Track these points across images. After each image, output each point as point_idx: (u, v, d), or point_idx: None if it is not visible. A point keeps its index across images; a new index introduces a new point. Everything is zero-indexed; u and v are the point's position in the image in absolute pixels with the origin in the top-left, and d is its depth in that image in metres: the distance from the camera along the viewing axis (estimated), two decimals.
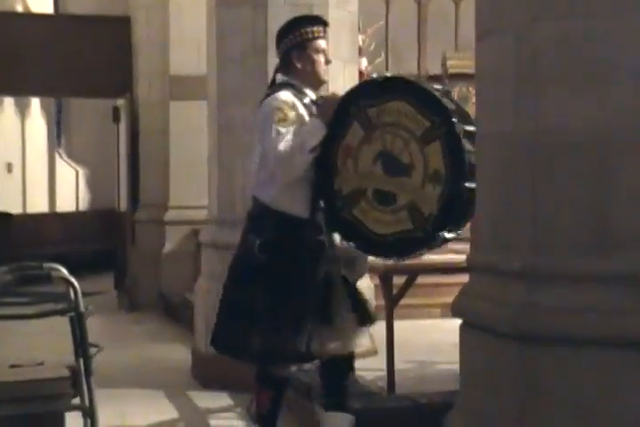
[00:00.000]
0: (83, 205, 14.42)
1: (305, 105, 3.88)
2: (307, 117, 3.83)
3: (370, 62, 8.45)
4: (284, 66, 4.00)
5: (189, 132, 8.84)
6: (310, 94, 3.96)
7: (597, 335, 2.19)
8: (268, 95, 3.92)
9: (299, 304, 3.64)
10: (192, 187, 8.58)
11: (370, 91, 3.66)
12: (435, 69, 9.96)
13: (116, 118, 10.13)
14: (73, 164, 14.46)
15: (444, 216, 3.38)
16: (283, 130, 3.74)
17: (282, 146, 3.71)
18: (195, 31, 8.54)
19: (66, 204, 13.98)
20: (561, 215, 2.34)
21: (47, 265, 3.55)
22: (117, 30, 10.07)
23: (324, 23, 4.04)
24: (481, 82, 2.79)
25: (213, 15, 6.01)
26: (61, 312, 3.53)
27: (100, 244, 12.52)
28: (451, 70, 9.72)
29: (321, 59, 3.97)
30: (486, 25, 2.71)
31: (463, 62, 9.23)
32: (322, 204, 3.81)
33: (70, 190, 14.27)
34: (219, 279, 5.79)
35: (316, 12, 5.72)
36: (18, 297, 5.35)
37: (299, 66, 3.93)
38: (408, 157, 3.46)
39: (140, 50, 9.77)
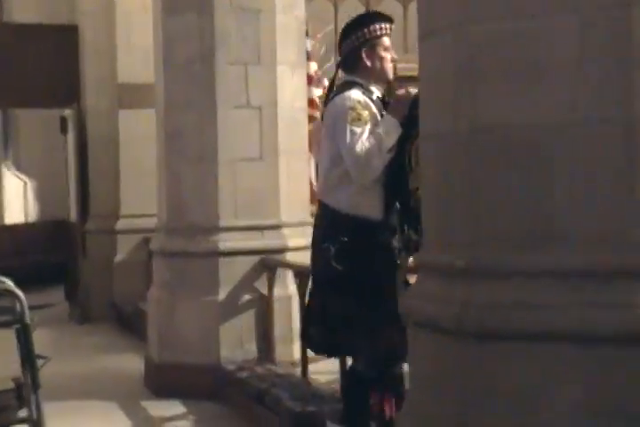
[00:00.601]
0: (32, 217, 14.23)
1: (374, 102, 3.81)
2: (379, 116, 3.76)
3: (320, 67, 8.46)
4: (350, 63, 3.91)
5: (139, 140, 8.77)
6: (376, 92, 3.90)
7: (539, 331, 2.21)
8: (335, 95, 3.84)
9: (393, 304, 3.47)
10: (143, 195, 8.51)
11: None
12: None
13: (64, 129, 10.02)
14: (21, 175, 14.27)
15: None
16: (358, 130, 3.66)
17: (359, 147, 3.63)
18: (142, 39, 8.50)
19: (14, 216, 13.79)
20: (499, 212, 2.36)
21: None
22: (64, 39, 9.96)
23: (391, 20, 3.98)
24: (423, 83, 2.81)
25: (159, 22, 5.99)
26: (6, 324, 3.49)
27: (50, 255, 12.34)
28: (400, 73, 9.74)
29: (388, 56, 3.92)
30: (427, 26, 2.73)
31: (412, 65, 9.29)
32: (397, 204, 3.72)
33: (18, 202, 14.08)
34: (169, 287, 5.79)
35: (262, 17, 5.74)
36: None
37: (368, 63, 3.87)
38: None
39: (87, 58, 9.68)
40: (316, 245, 3.82)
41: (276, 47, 5.73)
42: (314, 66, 7.77)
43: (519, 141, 2.37)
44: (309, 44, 7.31)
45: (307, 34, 6.62)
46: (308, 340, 3.95)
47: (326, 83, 8.47)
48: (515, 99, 2.38)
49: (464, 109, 2.47)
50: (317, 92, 7.82)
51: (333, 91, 3.92)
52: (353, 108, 3.70)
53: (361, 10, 9.81)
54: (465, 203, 2.46)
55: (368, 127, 3.68)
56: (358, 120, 3.69)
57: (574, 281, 2.21)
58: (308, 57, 6.92)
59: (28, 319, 3.54)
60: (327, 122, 3.83)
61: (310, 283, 4.00)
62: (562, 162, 2.31)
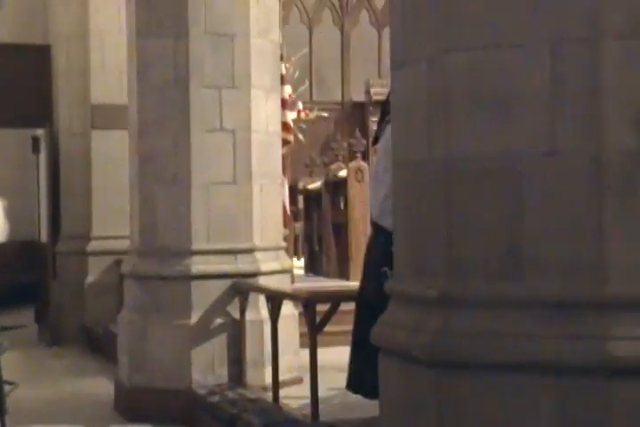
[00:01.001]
0: (2, 237, 14.10)
1: None
2: None
3: (294, 90, 8.50)
4: None
5: (111, 161, 8.75)
6: None
7: (511, 360, 2.21)
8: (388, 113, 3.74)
9: None
10: (115, 217, 8.47)
11: None
12: (359, 97, 10.05)
13: (36, 149, 9.98)
14: None
15: None
16: None
17: None
18: (116, 60, 8.51)
19: None
20: (474, 241, 2.37)
21: None
22: (37, 59, 9.94)
23: None
24: (395, 111, 2.83)
25: (134, 45, 5.99)
26: None
27: (20, 276, 12.22)
28: (374, 97, 9.81)
29: None
30: (400, 55, 2.75)
31: (386, 89, 9.30)
32: None
33: None
34: (141, 310, 5.75)
35: (237, 41, 5.76)
36: None
37: None
38: None
39: (60, 79, 9.66)
40: (372, 269, 3.70)
41: (251, 71, 5.74)
42: (288, 89, 7.80)
43: (491, 171, 2.39)
44: (284, 68, 7.33)
45: (281, 58, 6.64)
46: (359, 384, 3.68)
47: (300, 106, 8.52)
48: (487, 129, 2.41)
49: (437, 139, 2.49)
50: (291, 116, 7.85)
51: (388, 115, 3.81)
52: None
53: (336, 34, 9.91)
54: (437, 231, 2.47)
55: None
56: None
57: (546, 311, 2.22)
58: (283, 80, 6.95)
59: None
60: (388, 147, 3.68)
61: (356, 309, 3.86)
62: (533, 191, 2.33)
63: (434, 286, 2.45)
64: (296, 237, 9.14)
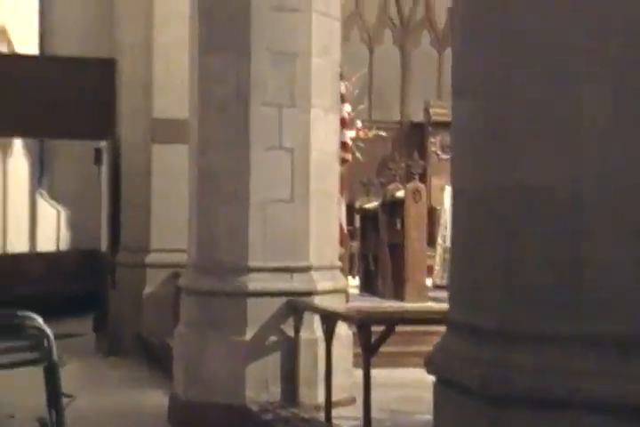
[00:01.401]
0: (63, 245, 14.35)
1: None
2: None
3: (353, 109, 8.53)
4: None
5: (171, 174, 8.85)
6: None
7: (568, 398, 2.19)
8: None
9: None
10: (173, 229, 8.56)
11: None
12: (417, 117, 10.02)
13: (98, 160, 10.14)
14: (54, 204, 14.42)
15: None
16: None
17: None
18: (179, 75, 8.60)
19: (47, 243, 13.91)
20: (533, 274, 2.35)
21: (21, 314, 3.53)
22: (102, 72, 10.11)
23: None
24: (454, 138, 2.83)
25: (197, 61, 6.06)
26: (34, 362, 3.51)
27: (80, 284, 12.44)
28: (434, 118, 9.81)
29: None
30: (461, 82, 2.76)
31: (446, 111, 9.32)
32: None
33: (51, 230, 14.21)
34: (197, 325, 5.81)
35: (299, 60, 5.80)
36: None
37: None
38: None
39: (123, 92, 9.82)
40: None
41: (311, 90, 5.78)
42: (347, 108, 7.83)
43: (553, 201, 2.37)
44: (343, 87, 7.36)
45: (341, 76, 6.67)
46: None
47: (359, 125, 8.54)
48: (549, 158, 2.39)
49: (497, 167, 2.48)
50: (350, 134, 7.88)
51: None
52: None
53: (396, 53, 9.92)
54: (496, 262, 2.46)
55: None
56: None
57: (606, 349, 2.19)
58: (342, 99, 6.98)
59: (55, 358, 3.56)
60: None
61: None
62: (597, 224, 2.29)
63: (491, 317, 2.43)
64: (352, 256, 9.15)
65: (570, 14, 2.35)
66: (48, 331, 3.43)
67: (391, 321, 4.48)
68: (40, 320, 3.50)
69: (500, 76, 2.52)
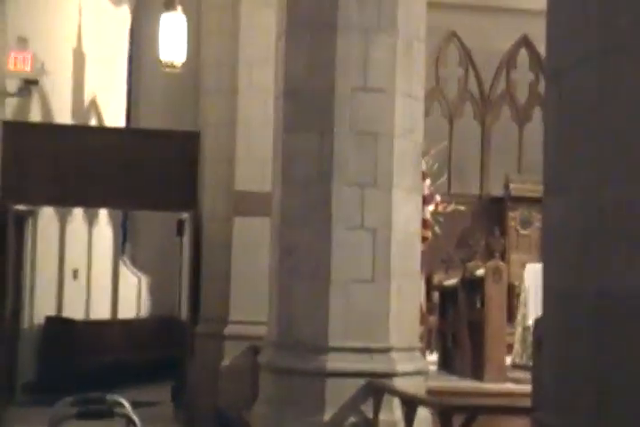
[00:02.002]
0: (144, 312, 14.56)
1: None
2: None
3: (433, 182, 8.56)
4: None
5: (252, 247, 8.97)
6: None
7: None
8: None
9: None
10: (253, 302, 8.62)
11: None
12: (497, 191, 10.00)
13: (180, 231, 10.35)
14: (136, 271, 14.68)
15: None
16: None
17: None
18: (261, 149, 8.78)
19: (127, 310, 14.14)
20: (625, 386, 2.30)
21: (110, 399, 3.58)
22: (185, 145, 10.37)
23: None
24: (546, 237, 2.81)
25: (280, 139, 6.18)
26: None
27: (159, 352, 12.58)
28: (513, 193, 9.80)
29: None
30: (554, 181, 2.74)
31: (526, 186, 9.32)
32: None
33: (132, 297, 14.45)
34: (275, 403, 5.80)
35: (381, 140, 5.87)
36: None
37: None
38: None
39: (206, 164, 10.04)
40: None
41: (393, 171, 5.83)
42: (427, 182, 7.86)
43: None
44: (423, 163, 7.40)
45: (422, 153, 6.71)
46: None
47: (438, 198, 8.56)
48: None
49: (590, 271, 2.45)
50: (429, 208, 7.88)
51: None
52: None
53: (476, 127, 9.97)
54: (585, 369, 2.42)
55: None
56: None
57: None
58: (423, 176, 7.01)
59: None
60: None
61: None
62: None
63: (580, 422, 2.39)
64: (430, 331, 9.08)
65: None
66: (135, 418, 3.47)
67: (474, 411, 4.41)
68: (128, 407, 3.55)
69: (594, 176, 2.50)
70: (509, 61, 11.41)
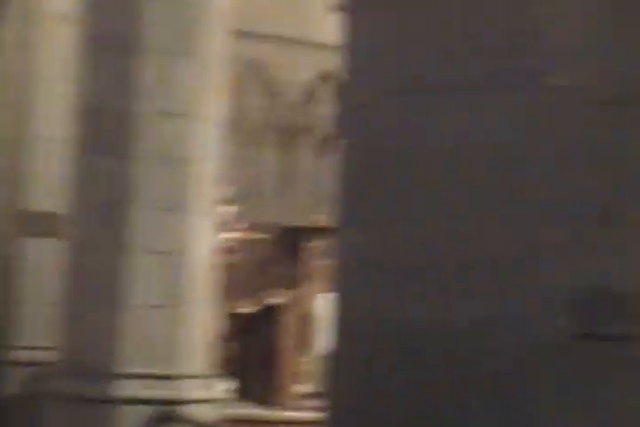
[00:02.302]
0: None
1: None
2: None
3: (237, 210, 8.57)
4: None
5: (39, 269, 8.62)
6: None
7: None
8: None
9: None
10: (38, 326, 8.28)
11: None
12: (297, 221, 10.09)
13: None
14: None
15: None
16: None
17: None
18: (53, 168, 8.44)
19: None
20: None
21: None
22: None
23: None
24: (340, 267, 2.85)
25: (79, 160, 6.03)
26: None
27: None
28: (312, 223, 9.90)
29: None
30: (349, 214, 2.76)
31: (324, 217, 9.42)
32: None
33: None
34: None
35: (178, 165, 5.84)
36: None
37: None
38: None
39: None
40: None
41: (188, 196, 5.83)
42: (232, 209, 7.84)
43: None
44: (229, 190, 7.40)
45: (222, 179, 6.70)
46: None
47: (244, 225, 8.56)
48: None
49: (380, 303, 2.50)
50: (235, 235, 7.88)
51: None
52: None
53: (279, 158, 10.11)
54: (380, 391, 2.45)
55: None
56: None
57: None
58: (229, 203, 6.99)
59: None
60: None
61: None
62: None
63: None
64: (229, 359, 9.03)
65: None
66: None
67: None
68: None
69: None
70: (312, 93, 11.63)
